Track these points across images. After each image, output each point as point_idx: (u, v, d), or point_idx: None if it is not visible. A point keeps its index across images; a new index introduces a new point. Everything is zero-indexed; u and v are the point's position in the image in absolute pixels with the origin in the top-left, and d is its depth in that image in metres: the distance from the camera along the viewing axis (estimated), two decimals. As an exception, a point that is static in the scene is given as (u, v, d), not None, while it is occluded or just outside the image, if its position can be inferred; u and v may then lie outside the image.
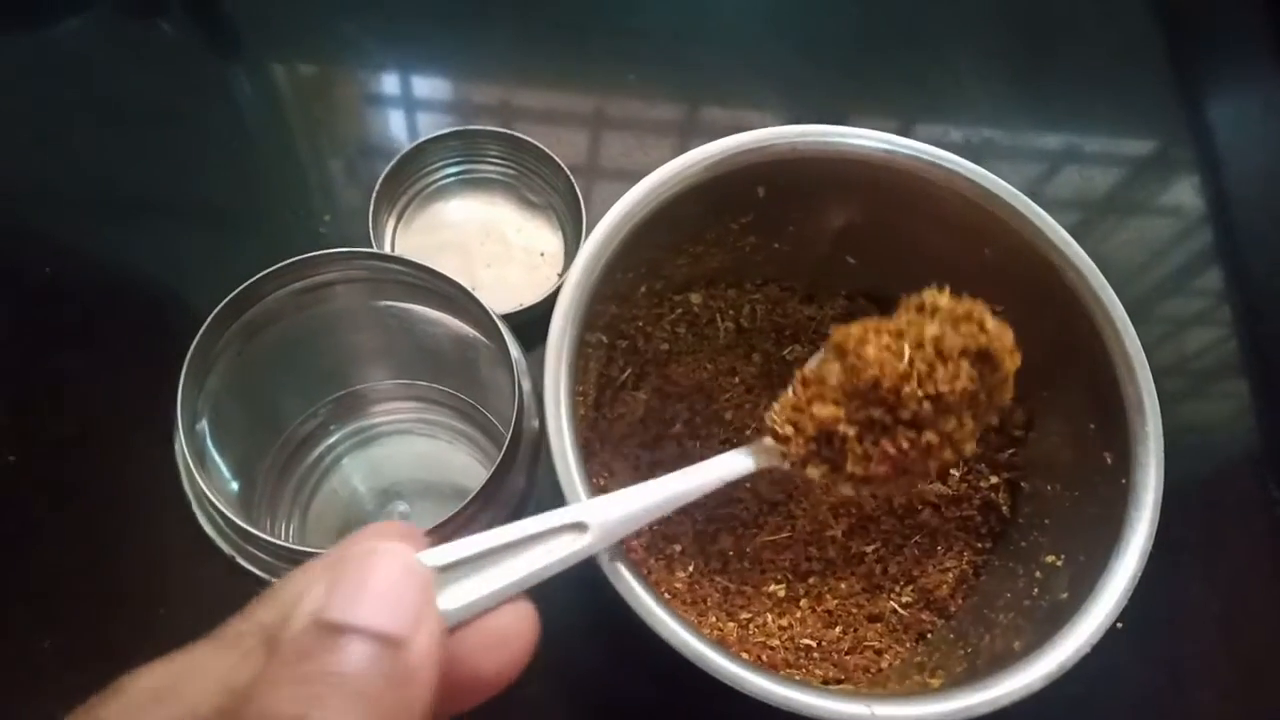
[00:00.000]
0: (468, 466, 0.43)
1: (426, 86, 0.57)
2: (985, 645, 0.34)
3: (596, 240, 0.33)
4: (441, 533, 0.30)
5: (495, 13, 0.58)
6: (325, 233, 0.50)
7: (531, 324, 0.39)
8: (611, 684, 0.43)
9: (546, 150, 0.49)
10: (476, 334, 0.37)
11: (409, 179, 0.49)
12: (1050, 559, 0.35)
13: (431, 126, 0.54)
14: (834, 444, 0.30)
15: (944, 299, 0.29)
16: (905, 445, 0.28)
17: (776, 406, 0.30)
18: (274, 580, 0.30)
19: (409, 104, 0.56)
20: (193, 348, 0.30)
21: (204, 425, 0.33)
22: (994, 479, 0.39)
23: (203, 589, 0.42)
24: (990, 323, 0.28)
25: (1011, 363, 0.28)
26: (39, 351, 0.46)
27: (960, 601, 0.38)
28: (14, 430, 0.44)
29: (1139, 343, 0.33)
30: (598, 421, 0.39)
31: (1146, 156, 0.60)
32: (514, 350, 0.33)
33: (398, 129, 0.55)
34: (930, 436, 0.28)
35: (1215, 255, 0.57)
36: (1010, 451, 0.39)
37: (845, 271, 0.40)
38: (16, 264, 0.48)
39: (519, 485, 0.32)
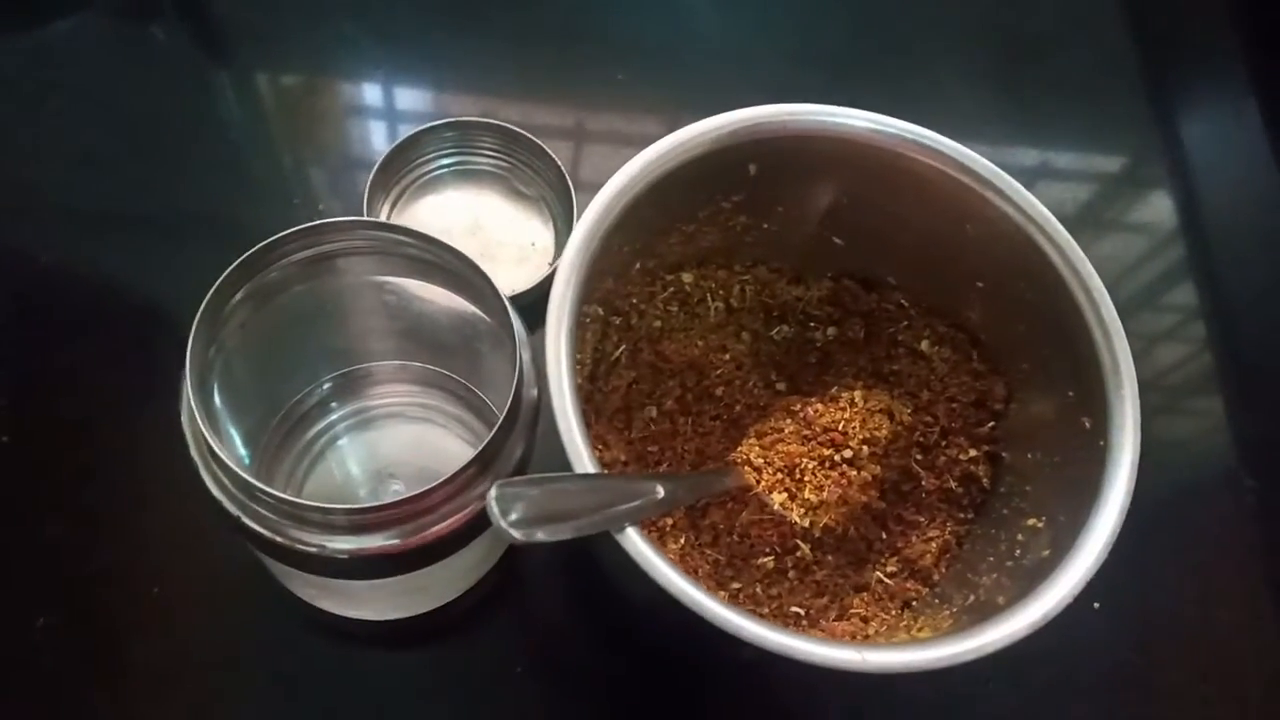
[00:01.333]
0: (463, 452, 0.43)
1: (409, 97, 0.57)
2: (970, 604, 0.35)
3: (596, 210, 0.34)
4: (442, 492, 0.30)
5: (480, 23, 0.59)
6: None
7: (524, 310, 0.40)
8: (596, 665, 0.44)
9: (539, 143, 0.50)
10: (478, 312, 0.37)
11: (403, 169, 0.50)
12: (1031, 522, 0.36)
13: (387, 136, 0.55)
14: (795, 475, 0.39)
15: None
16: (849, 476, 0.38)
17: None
18: (279, 539, 0.31)
19: (391, 114, 0.57)
20: (202, 307, 0.30)
21: (212, 385, 0.33)
22: (973, 452, 0.41)
23: (197, 569, 0.43)
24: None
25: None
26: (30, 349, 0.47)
27: (944, 570, 0.40)
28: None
29: (1114, 310, 0.35)
30: (593, 394, 0.40)
31: (1119, 172, 0.62)
32: (515, 321, 0.34)
33: (379, 139, 0.56)
34: (866, 472, 0.38)
35: (1188, 270, 0.59)
36: (990, 425, 0.40)
37: (831, 253, 0.42)
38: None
39: (517, 451, 0.33)
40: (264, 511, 0.31)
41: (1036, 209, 0.36)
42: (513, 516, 0.26)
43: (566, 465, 0.31)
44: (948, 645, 0.30)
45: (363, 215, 0.46)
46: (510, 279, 0.49)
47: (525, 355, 0.34)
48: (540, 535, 0.26)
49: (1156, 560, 0.48)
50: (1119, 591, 0.44)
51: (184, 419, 0.32)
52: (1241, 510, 0.51)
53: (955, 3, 0.65)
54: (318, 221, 0.33)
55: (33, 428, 0.45)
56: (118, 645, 0.41)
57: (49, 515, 0.43)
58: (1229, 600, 0.50)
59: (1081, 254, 0.35)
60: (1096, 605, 0.45)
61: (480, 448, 0.30)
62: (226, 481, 0.31)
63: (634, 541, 0.30)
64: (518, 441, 0.33)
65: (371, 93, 0.57)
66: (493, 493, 0.26)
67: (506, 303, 0.33)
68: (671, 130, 0.35)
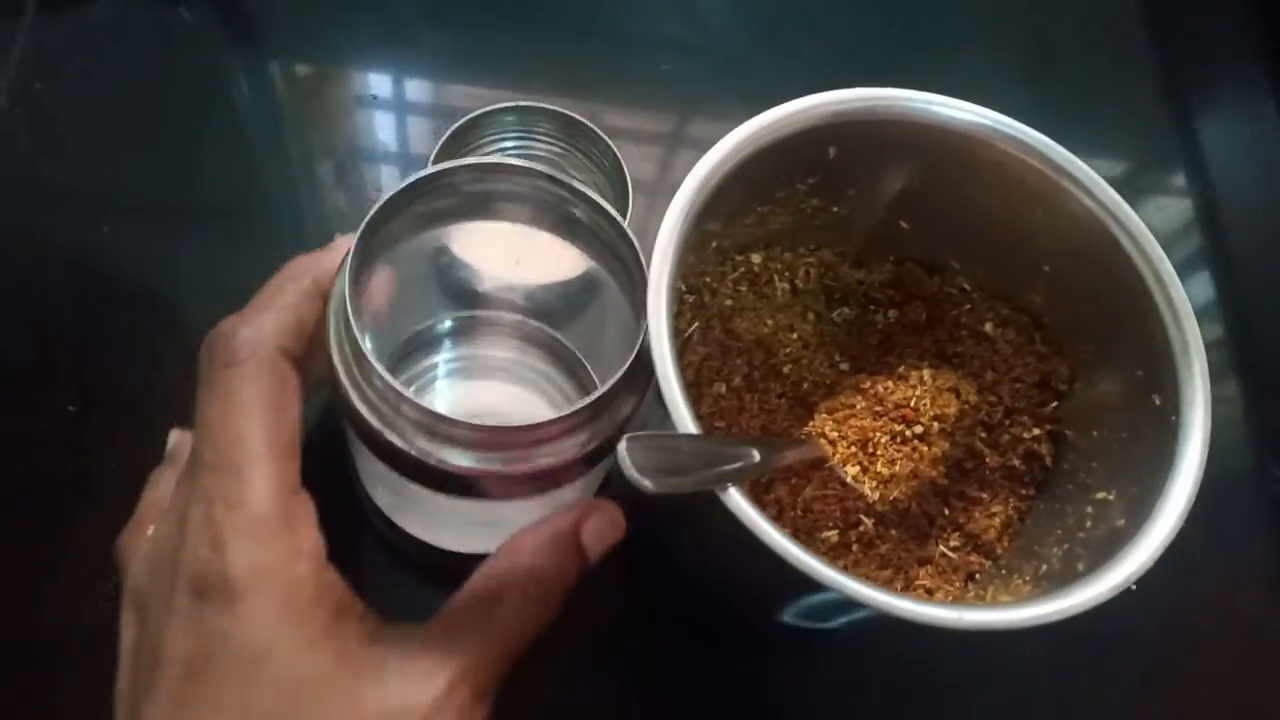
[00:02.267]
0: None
1: (421, 87, 0.58)
2: (1044, 572, 0.37)
3: (690, 187, 0.35)
4: (557, 427, 0.31)
5: (491, 21, 0.60)
6: (312, 232, 0.52)
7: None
8: (636, 633, 0.45)
9: (596, 129, 0.51)
10: (612, 283, 0.37)
11: (465, 149, 0.51)
12: (1101, 495, 0.37)
13: (423, 130, 0.56)
14: (868, 449, 0.40)
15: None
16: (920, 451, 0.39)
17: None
18: (406, 448, 0.31)
19: (400, 107, 0.58)
20: (365, 221, 0.31)
21: (360, 300, 0.34)
22: (1036, 430, 0.42)
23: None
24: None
25: None
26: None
27: (1007, 544, 0.41)
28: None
29: (1184, 293, 0.36)
30: (668, 369, 0.41)
31: (1138, 171, 0.64)
32: (652, 297, 0.34)
33: (387, 128, 0.56)
34: (936, 448, 0.39)
35: (1205, 267, 0.61)
36: (1054, 405, 0.42)
37: (896, 236, 0.43)
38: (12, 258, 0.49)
39: (625, 410, 0.33)
40: (399, 419, 0.31)
41: (1111, 196, 0.37)
42: (641, 465, 0.27)
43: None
44: (1037, 606, 0.31)
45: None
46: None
47: (653, 323, 0.34)
48: (666, 485, 0.27)
49: (1189, 549, 0.50)
50: (1154, 578, 0.46)
51: (332, 320, 0.32)
52: (1267, 501, 0.53)
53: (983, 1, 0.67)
54: (490, 159, 0.33)
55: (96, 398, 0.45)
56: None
57: (110, 482, 0.43)
58: (1258, 589, 0.52)
59: (1152, 239, 0.37)
60: (1133, 588, 0.47)
61: (597, 394, 0.31)
62: (370, 392, 0.31)
63: (738, 502, 0.31)
64: (627, 400, 0.34)
65: (381, 84, 0.58)
66: (623, 444, 0.27)
67: (646, 274, 0.34)
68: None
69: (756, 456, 0.33)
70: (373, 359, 0.30)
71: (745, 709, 0.45)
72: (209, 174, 0.52)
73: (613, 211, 0.34)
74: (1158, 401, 0.36)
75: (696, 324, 0.42)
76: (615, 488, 0.46)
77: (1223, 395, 0.57)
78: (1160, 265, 0.37)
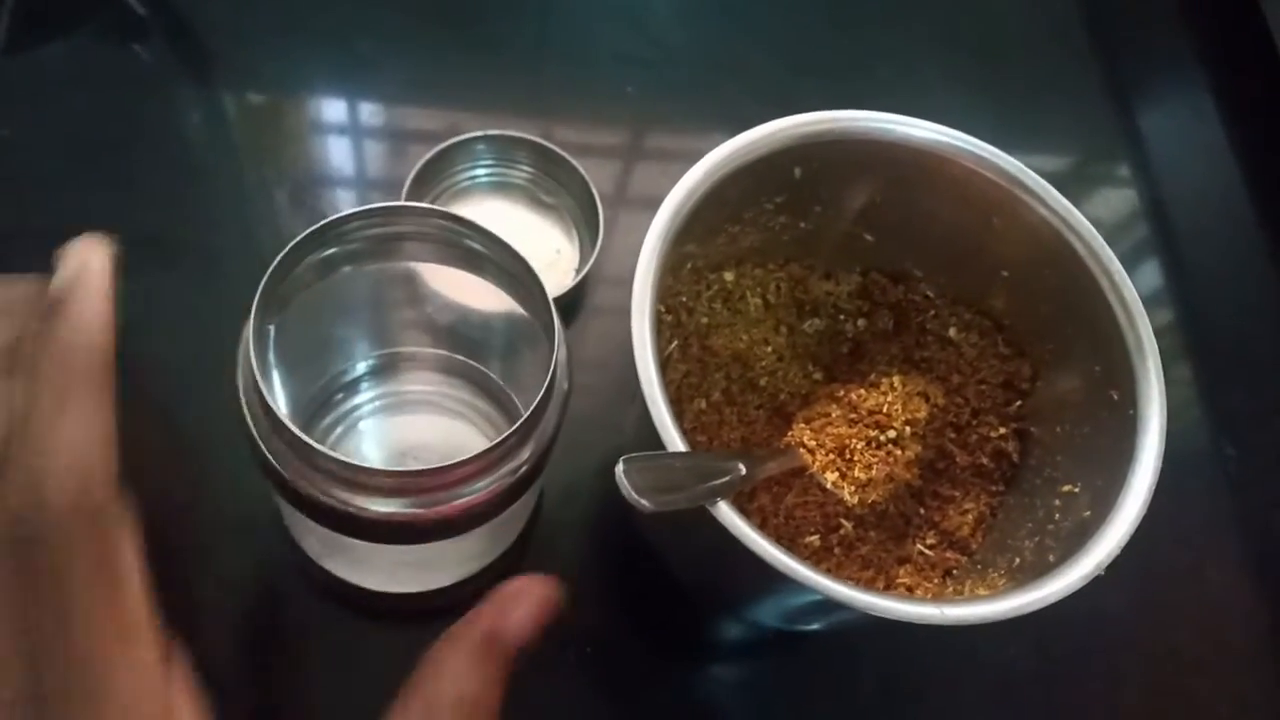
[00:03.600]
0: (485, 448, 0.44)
1: (382, 114, 0.59)
2: (1018, 565, 0.38)
3: (667, 210, 0.36)
4: (471, 466, 0.31)
5: (446, 44, 0.61)
6: (270, 261, 0.52)
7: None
8: (623, 641, 0.46)
9: (565, 155, 0.52)
10: (522, 312, 0.39)
11: (437, 179, 0.52)
12: (1067, 488, 0.39)
13: (379, 155, 0.57)
14: (845, 455, 0.41)
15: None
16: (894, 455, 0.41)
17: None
18: (321, 497, 0.31)
19: (356, 132, 0.58)
20: (269, 271, 0.31)
21: (268, 349, 0.34)
22: (1002, 429, 0.44)
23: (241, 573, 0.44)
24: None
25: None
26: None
27: (980, 539, 0.43)
28: None
29: (1135, 292, 0.38)
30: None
31: (1085, 167, 0.67)
32: (556, 319, 0.34)
33: (341, 159, 0.57)
34: (909, 451, 0.41)
35: (1154, 256, 0.63)
36: (1018, 404, 0.44)
37: (862, 248, 0.45)
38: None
39: (547, 435, 0.34)
40: (312, 470, 0.31)
41: (1060, 202, 0.39)
42: (639, 486, 0.28)
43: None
44: (1015, 598, 0.33)
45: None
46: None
47: (562, 352, 0.34)
48: (662, 504, 0.29)
49: (1152, 531, 0.52)
50: (1121, 561, 0.48)
51: (240, 374, 0.32)
52: (1224, 479, 0.56)
53: (931, 9, 0.70)
54: (387, 204, 0.34)
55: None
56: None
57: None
58: (1218, 564, 0.54)
59: (1103, 242, 0.39)
60: (1102, 573, 0.49)
61: (515, 426, 0.31)
62: (274, 435, 0.31)
63: (728, 515, 0.32)
64: (549, 424, 0.34)
65: (368, 112, 0.58)
66: (620, 467, 0.28)
67: (550, 301, 0.34)
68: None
69: (743, 470, 0.35)
70: (280, 412, 0.29)
71: (733, 713, 0.46)
72: (167, 208, 0.52)
73: (508, 242, 0.34)
74: (1115, 396, 0.38)
75: (675, 342, 0.43)
76: (611, 506, 0.47)
77: (1176, 378, 0.59)
78: (1111, 266, 0.39)
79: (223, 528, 0.44)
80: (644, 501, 0.28)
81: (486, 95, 0.59)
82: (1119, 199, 0.65)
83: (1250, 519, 0.55)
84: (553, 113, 0.59)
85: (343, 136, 0.58)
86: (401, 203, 0.34)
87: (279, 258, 0.32)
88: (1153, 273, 0.63)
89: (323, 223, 0.33)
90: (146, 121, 0.55)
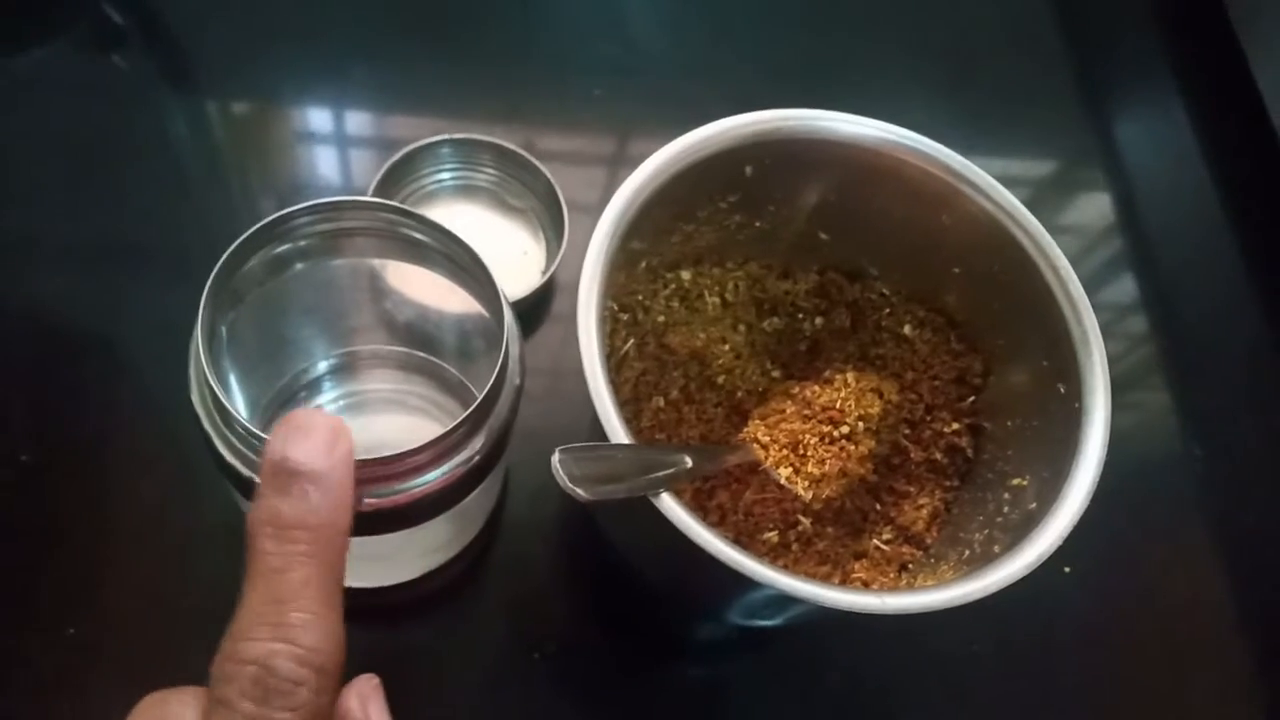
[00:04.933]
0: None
1: (360, 119, 0.59)
2: (966, 557, 0.39)
3: (614, 210, 0.37)
4: (420, 456, 0.31)
5: (450, 46, 0.62)
6: None
7: (518, 316, 0.42)
8: (592, 645, 0.46)
9: (530, 157, 0.53)
10: (479, 308, 0.39)
11: (401, 182, 0.53)
12: (1016, 481, 0.39)
13: (364, 161, 0.57)
14: (799, 451, 0.41)
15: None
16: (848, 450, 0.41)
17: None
18: None
19: (340, 139, 0.59)
20: (214, 272, 0.31)
21: (221, 352, 0.34)
22: (956, 425, 0.44)
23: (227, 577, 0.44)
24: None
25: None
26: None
27: (935, 533, 0.43)
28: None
29: (1080, 286, 0.39)
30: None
31: (1058, 174, 0.67)
32: (508, 312, 0.35)
33: (328, 162, 0.58)
34: (863, 446, 0.42)
35: (1128, 263, 0.64)
36: (971, 399, 0.44)
37: (818, 246, 0.45)
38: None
39: (497, 427, 0.34)
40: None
41: (1007, 199, 0.40)
42: (575, 476, 0.29)
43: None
44: (958, 588, 0.33)
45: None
46: (505, 289, 0.51)
47: (515, 347, 0.35)
48: (600, 493, 0.29)
49: (1119, 529, 0.53)
50: (1087, 558, 0.48)
51: (192, 372, 0.32)
52: (1193, 479, 0.56)
53: (904, 15, 0.70)
54: (334, 198, 0.34)
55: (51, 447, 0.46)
56: (154, 658, 0.43)
57: (68, 530, 0.44)
58: (1184, 562, 0.54)
59: (1049, 238, 0.39)
60: (1067, 570, 0.49)
61: (464, 415, 0.31)
62: (232, 437, 0.31)
63: (670, 506, 0.33)
64: (500, 416, 0.34)
65: (352, 118, 0.59)
66: (556, 456, 0.29)
67: (501, 294, 0.34)
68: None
69: (688, 462, 0.35)
70: (230, 405, 0.30)
71: (700, 711, 0.47)
72: (152, 217, 0.53)
73: (455, 233, 0.34)
74: (1063, 389, 0.38)
75: (631, 341, 0.44)
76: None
77: (1149, 381, 0.60)
78: (1057, 261, 0.39)
79: (197, 530, 0.44)
80: (580, 491, 0.29)
81: (469, 101, 0.60)
82: (1092, 204, 0.66)
83: (1217, 517, 0.55)
84: (534, 117, 0.59)
85: (324, 144, 0.58)
86: (349, 197, 0.34)
87: (226, 253, 0.32)
88: (1127, 277, 0.63)
89: (270, 218, 0.33)
90: (125, 130, 0.55)
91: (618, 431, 0.33)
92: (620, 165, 0.60)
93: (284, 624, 0.22)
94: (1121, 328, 0.62)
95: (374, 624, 0.45)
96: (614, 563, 0.46)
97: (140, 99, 0.57)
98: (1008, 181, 0.60)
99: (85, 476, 0.45)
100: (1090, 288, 0.61)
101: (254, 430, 0.30)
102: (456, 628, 0.46)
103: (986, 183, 0.40)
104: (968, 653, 0.49)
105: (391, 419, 0.46)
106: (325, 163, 0.58)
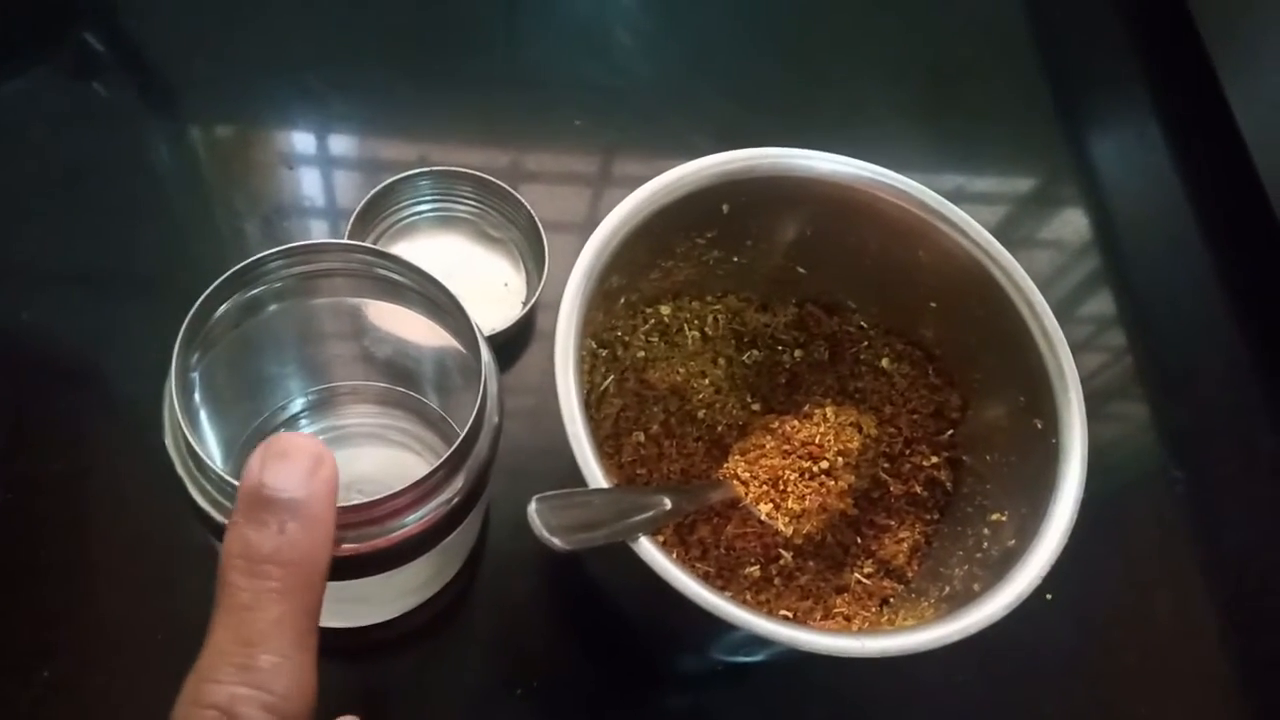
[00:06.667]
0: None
1: (362, 146, 0.59)
2: (946, 594, 0.39)
3: (593, 248, 0.37)
4: (400, 500, 0.31)
5: (412, 74, 0.61)
6: None
7: (499, 349, 0.42)
8: (573, 677, 0.46)
9: (509, 189, 0.53)
10: (456, 344, 0.39)
11: (381, 215, 0.53)
12: (995, 517, 0.40)
13: (348, 184, 0.57)
14: (779, 486, 0.41)
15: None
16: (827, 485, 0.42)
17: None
18: None
19: (324, 162, 0.59)
20: (189, 316, 0.31)
21: (194, 394, 0.34)
22: (935, 458, 0.44)
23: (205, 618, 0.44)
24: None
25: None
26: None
27: (916, 568, 0.43)
28: None
29: (1056, 321, 0.39)
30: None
31: (1034, 192, 0.68)
32: (484, 349, 0.35)
33: (312, 188, 0.58)
34: (842, 481, 0.42)
35: (1104, 280, 0.64)
36: (949, 433, 0.44)
37: (796, 281, 0.45)
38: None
39: (477, 468, 0.34)
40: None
41: (982, 235, 0.40)
42: (551, 525, 0.29)
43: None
44: (937, 629, 0.34)
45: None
46: (486, 319, 0.51)
47: (493, 386, 0.35)
48: (576, 542, 0.29)
49: (1100, 554, 0.52)
50: (1069, 584, 0.48)
51: (165, 416, 0.32)
52: (1172, 500, 0.56)
53: (880, 39, 0.71)
54: (309, 241, 0.34)
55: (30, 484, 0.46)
56: (127, 691, 0.42)
57: (46, 568, 0.44)
58: (1166, 585, 0.54)
59: (1024, 273, 0.40)
60: (1049, 597, 0.49)
61: (443, 458, 0.31)
62: (206, 484, 0.31)
63: (649, 550, 0.33)
64: (480, 456, 0.34)
65: (335, 143, 0.59)
66: (532, 506, 0.29)
67: (478, 331, 0.34)
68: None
69: (668, 504, 0.35)
70: (204, 453, 0.29)
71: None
72: (136, 244, 0.53)
73: (427, 270, 0.34)
74: (1039, 425, 0.39)
75: (611, 377, 0.44)
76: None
77: (1127, 401, 0.60)
78: (1032, 296, 0.39)
79: (175, 569, 0.44)
80: (556, 541, 0.29)
81: (455, 126, 0.60)
82: (1069, 220, 0.66)
83: (1197, 540, 0.56)
84: (516, 145, 0.59)
85: (308, 166, 0.58)
86: (322, 240, 0.34)
87: (199, 301, 0.32)
88: (1104, 293, 0.64)
89: (242, 264, 0.33)
90: (105, 157, 0.55)
91: (596, 477, 0.33)
92: (601, 194, 0.60)
93: (252, 667, 0.21)
94: (1099, 341, 0.62)
95: (352, 662, 0.44)
96: (595, 598, 0.46)
97: (121, 124, 0.57)
98: (986, 199, 0.60)
99: (61, 513, 0.45)
100: (1067, 304, 0.63)
101: (227, 478, 0.30)
102: (437, 665, 0.45)
103: (961, 219, 0.40)
104: (951, 683, 0.49)
105: (372, 452, 0.45)
106: (309, 187, 0.58)
